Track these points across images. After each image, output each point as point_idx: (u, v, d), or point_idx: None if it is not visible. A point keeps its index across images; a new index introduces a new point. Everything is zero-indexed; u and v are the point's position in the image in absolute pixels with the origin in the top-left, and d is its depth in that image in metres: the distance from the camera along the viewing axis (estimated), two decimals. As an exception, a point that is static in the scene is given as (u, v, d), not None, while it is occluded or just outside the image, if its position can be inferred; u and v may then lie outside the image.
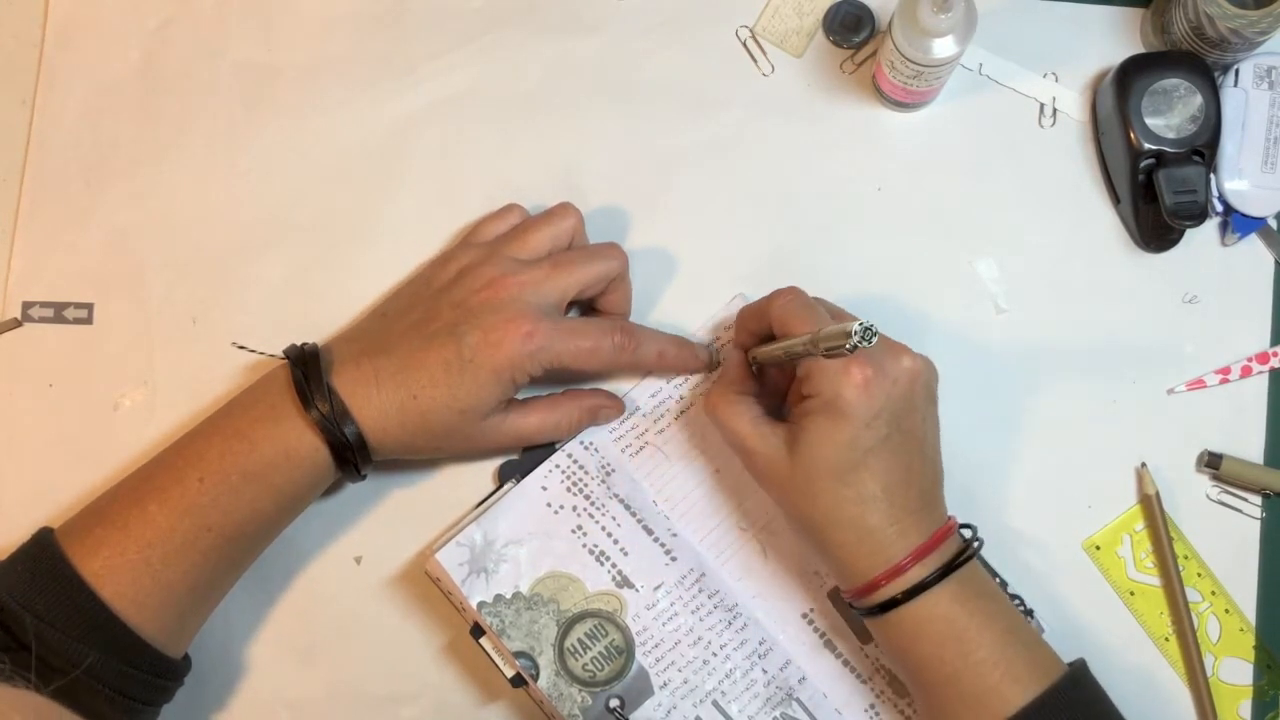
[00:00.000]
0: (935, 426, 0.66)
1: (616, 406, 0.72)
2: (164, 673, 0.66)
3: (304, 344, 0.68)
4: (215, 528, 0.65)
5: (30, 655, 0.60)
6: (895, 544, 0.63)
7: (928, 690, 0.64)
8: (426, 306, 0.68)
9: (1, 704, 0.53)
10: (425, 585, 0.73)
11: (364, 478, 0.69)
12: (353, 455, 0.66)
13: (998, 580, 0.72)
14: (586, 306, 0.74)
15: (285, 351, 0.68)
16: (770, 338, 0.67)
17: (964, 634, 0.62)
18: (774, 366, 0.69)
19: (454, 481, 0.74)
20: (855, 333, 0.55)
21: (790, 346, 0.63)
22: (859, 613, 0.65)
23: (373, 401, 0.65)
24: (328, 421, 0.64)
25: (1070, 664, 0.64)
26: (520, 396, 0.70)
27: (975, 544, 0.65)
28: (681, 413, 0.74)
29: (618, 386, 0.74)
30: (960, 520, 0.66)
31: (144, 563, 0.64)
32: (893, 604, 0.63)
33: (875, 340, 0.55)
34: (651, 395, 0.74)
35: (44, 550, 0.64)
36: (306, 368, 0.66)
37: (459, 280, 0.68)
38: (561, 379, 0.73)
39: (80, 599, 0.62)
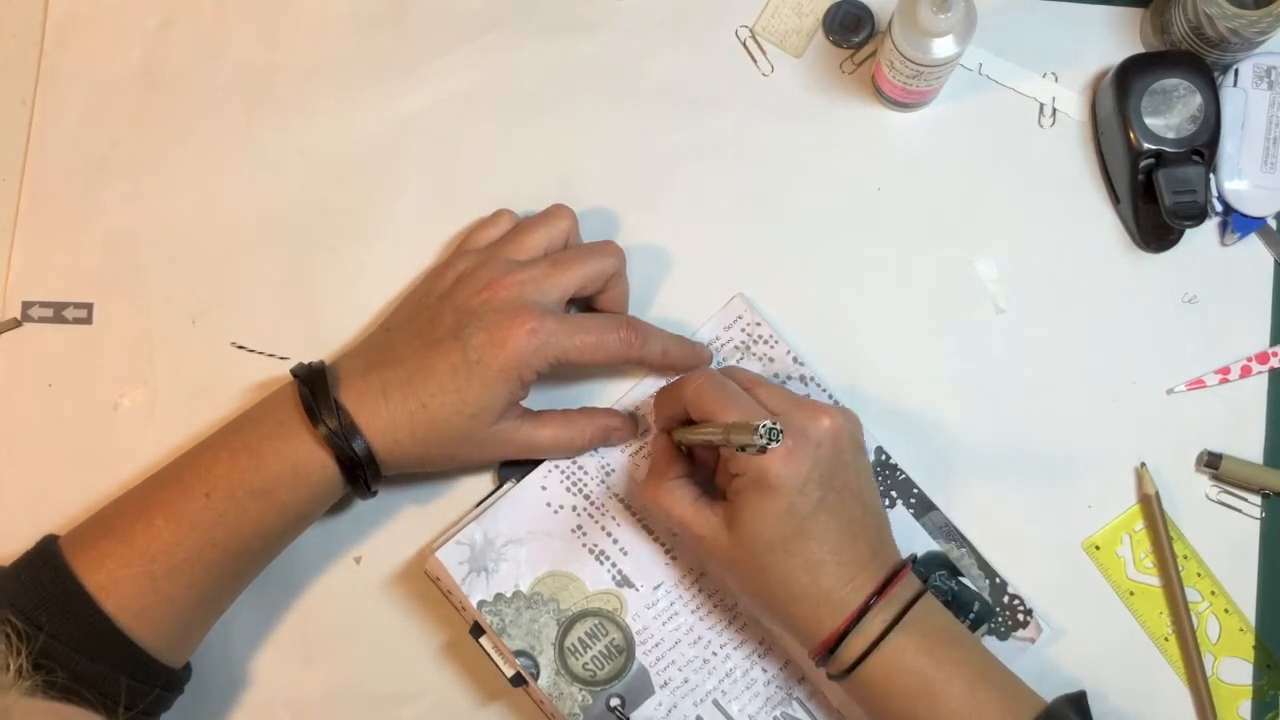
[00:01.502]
0: (869, 475, 0.66)
1: (630, 429, 0.72)
2: (166, 683, 0.66)
3: (310, 362, 0.68)
4: (221, 543, 0.65)
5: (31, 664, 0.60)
6: (851, 598, 0.62)
7: None
8: (429, 315, 0.68)
9: (43, 716, 0.52)
10: (425, 585, 0.73)
11: (374, 494, 0.68)
12: (362, 471, 0.66)
13: (997, 580, 0.72)
14: (584, 306, 0.74)
15: (292, 370, 0.67)
16: (689, 419, 0.67)
17: (932, 686, 0.62)
18: (701, 448, 0.68)
19: (454, 481, 0.74)
20: (760, 434, 0.56)
21: (708, 435, 0.64)
22: (830, 675, 0.64)
23: (381, 414, 0.65)
24: (336, 436, 0.64)
25: (1057, 699, 0.64)
26: (534, 408, 0.70)
27: (929, 581, 0.65)
28: (681, 412, 0.74)
29: (618, 386, 0.74)
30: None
31: (148, 576, 0.64)
32: (856, 661, 0.62)
33: (781, 439, 0.56)
34: (651, 396, 0.74)
35: (48, 560, 0.64)
36: (313, 384, 0.66)
37: (458, 286, 0.68)
38: (568, 377, 0.73)
39: (84, 611, 0.62)
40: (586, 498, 0.72)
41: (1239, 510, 0.74)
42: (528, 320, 0.65)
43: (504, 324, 0.65)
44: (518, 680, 0.69)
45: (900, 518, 0.72)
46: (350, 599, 0.74)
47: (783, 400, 0.65)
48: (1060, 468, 0.74)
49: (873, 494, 0.65)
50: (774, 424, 0.56)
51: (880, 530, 0.65)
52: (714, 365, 0.74)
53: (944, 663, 0.62)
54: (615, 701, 0.69)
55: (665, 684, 0.70)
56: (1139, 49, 0.77)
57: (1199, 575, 0.73)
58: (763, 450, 0.57)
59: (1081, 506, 0.74)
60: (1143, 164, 0.73)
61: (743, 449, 0.59)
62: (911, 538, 0.72)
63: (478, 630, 0.70)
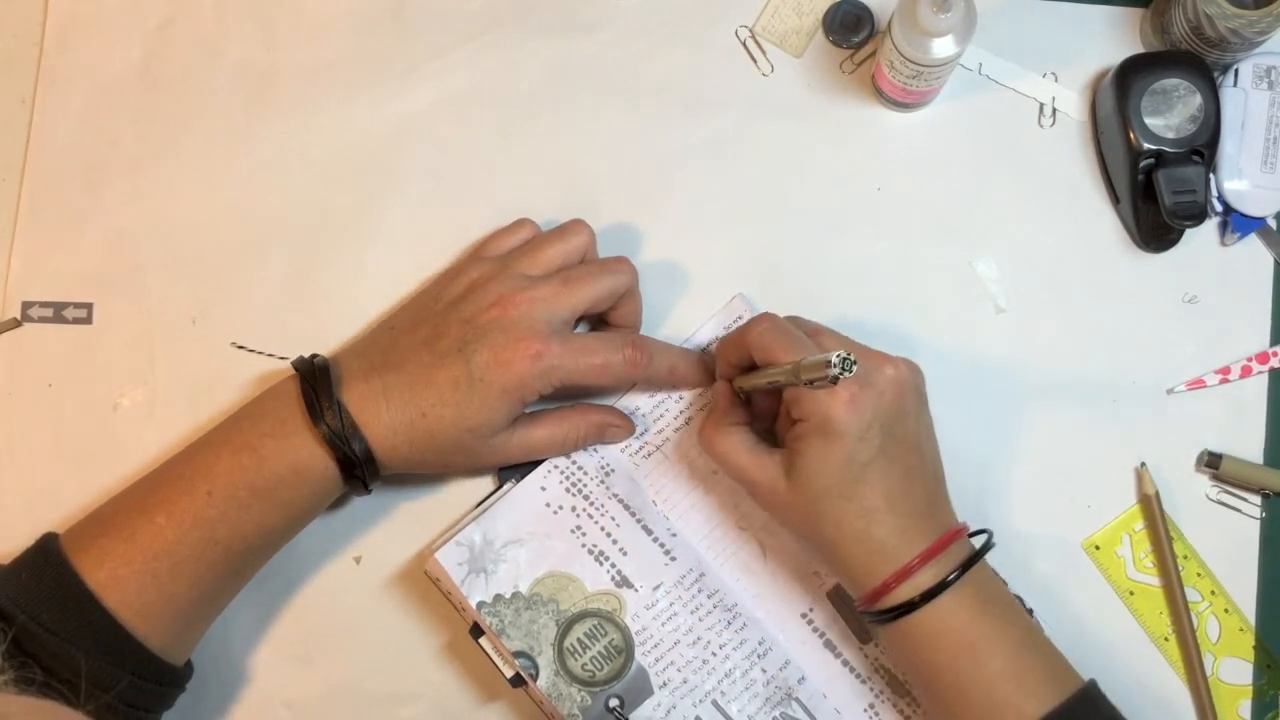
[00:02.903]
0: (929, 427, 0.66)
1: (626, 426, 0.72)
2: (167, 681, 0.66)
3: (313, 356, 0.68)
4: (222, 541, 0.65)
5: (34, 661, 0.60)
6: (904, 549, 0.63)
7: (940, 701, 0.64)
8: (436, 322, 0.68)
9: (35, 716, 0.52)
10: (425, 585, 0.73)
11: (370, 492, 0.69)
12: (361, 471, 0.66)
13: (997, 580, 0.72)
14: (597, 320, 0.74)
15: (294, 364, 0.67)
16: (752, 366, 0.67)
17: (978, 644, 0.62)
18: (760, 393, 0.69)
19: (453, 482, 0.74)
20: (834, 364, 0.56)
21: (773, 377, 0.64)
22: (872, 619, 0.64)
23: (381, 418, 0.65)
24: (337, 437, 0.64)
25: (1087, 680, 0.64)
26: (529, 409, 0.70)
27: (988, 545, 0.65)
28: (680, 414, 0.74)
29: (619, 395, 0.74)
30: (973, 526, 0.66)
31: (150, 574, 0.64)
32: (905, 610, 0.62)
33: (855, 369, 0.56)
34: (650, 396, 0.74)
35: (49, 558, 0.64)
36: (316, 382, 0.65)
37: (468, 296, 0.68)
38: (573, 395, 0.73)
39: (85, 609, 0.62)
40: (586, 498, 0.72)
41: (1239, 510, 0.74)
42: (533, 343, 0.65)
43: (509, 344, 0.65)
44: (517, 681, 0.69)
45: (900, 518, 0.72)
46: (350, 599, 0.74)
47: (847, 345, 0.66)
48: (1060, 467, 0.74)
49: (933, 446, 0.66)
50: (848, 354, 0.56)
51: (937, 485, 0.65)
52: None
53: (991, 623, 0.63)
54: (614, 702, 0.69)
55: (664, 684, 0.70)
56: (1139, 49, 0.77)
57: (1199, 575, 0.73)
58: (834, 381, 0.57)
59: (1081, 506, 0.74)
60: (1143, 164, 0.73)
61: (811, 383, 0.59)
62: (911, 538, 0.72)
63: (477, 631, 0.70)
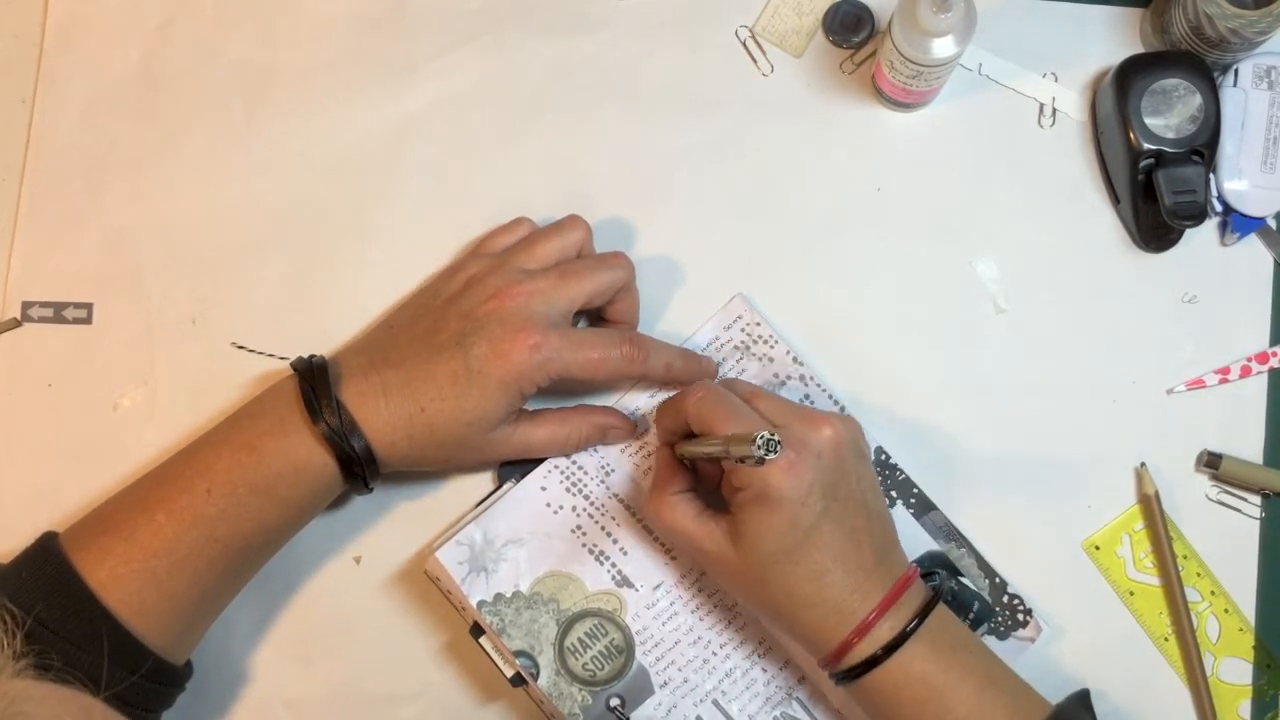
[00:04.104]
0: (872, 481, 0.65)
1: (627, 428, 0.72)
2: (168, 680, 0.66)
3: (312, 355, 0.68)
4: (222, 538, 0.65)
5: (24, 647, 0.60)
6: (859, 606, 0.62)
7: None
8: (434, 317, 0.68)
9: (57, 704, 0.53)
10: (425, 585, 0.73)
11: (371, 490, 0.69)
12: (361, 469, 0.66)
13: (997, 580, 0.72)
14: (595, 316, 0.74)
15: (293, 363, 0.67)
16: (692, 432, 0.67)
17: (941, 693, 0.62)
18: (703, 461, 0.68)
19: (453, 481, 0.74)
20: (759, 445, 0.56)
21: (709, 448, 0.64)
22: (836, 681, 0.64)
23: (380, 414, 0.65)
24: (335, 435, 0.64)
25: (1060, 702, 0.64)
26: (530, 407, 0.70)
27: (941, 589, 0.65)
28: (681, 412, 0.74)
29: (619, 394, 0.74)
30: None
31: (150, 572, 0.64)
32: (867, 667, 0.62)
33: (779, 449, 0.56)
34: (650, 397, 0.74)
35: (49, 557, 0.64)
36: (314, 380, 0.66)
37: (466, 290, 0.68)
38: (570, 390, 0.73)
39: (85, 607, 0.62)
40: (586, 498, 0.72)
41: (1239, 510, 0.74)
42: (531, 334, 0.65)
43: (507, 336, 0.65)
44: (517, 680, 0.69)
45: (900, 518, 0.72)
46: (350, 598, 0.74)
47: (783, 411, 0.65)
48: (1060, 467, 0.74)
49: (877, 500, 0.65)
50: (771, 435, 0.56)
51: (885, 536, 0.65)
52: (714, 365, 0.73)
53: (952, 668, 0.62)
54: (615, 701, 0.69)
55: (665, 684, 0.70)
56: (1139, 49, 0.77)
57: (1199, 575, 0.73)
58: (761, 462, 0.58)
59: (1081, 506, 0.74)
60: (1143, 164, 0.73)
61: (742, 460, 0.59)
62: (912, 538, 0.72)
63: (477, 630, 0.70)
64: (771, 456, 0.56)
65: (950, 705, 0.62)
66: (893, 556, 0.65)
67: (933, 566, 0.72)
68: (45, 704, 0.46)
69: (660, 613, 0.70)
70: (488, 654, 0.70)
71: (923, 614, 0.62)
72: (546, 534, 0.71)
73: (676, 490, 0.67)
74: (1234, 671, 0.73)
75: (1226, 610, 0.73)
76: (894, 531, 0.66)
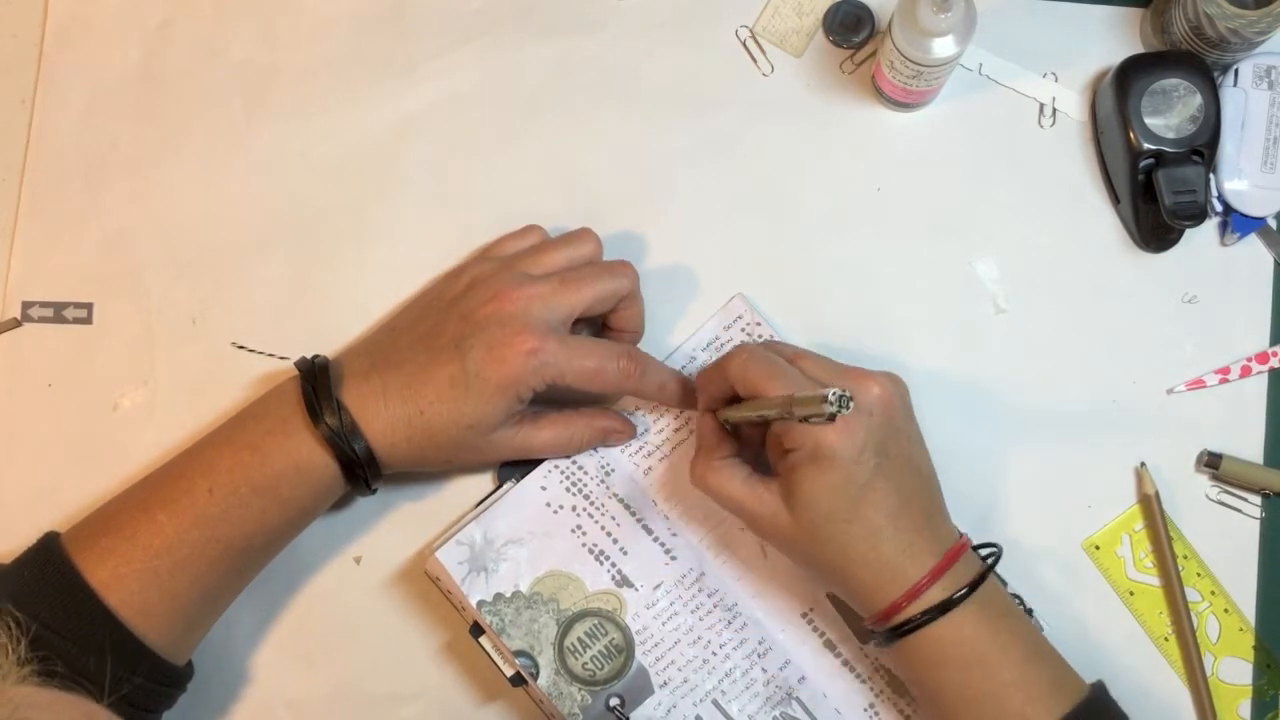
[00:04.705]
0: (920, 438, 0.66)
1: (628, 431, 0.72)
2: (169, 680, 0.66)
3: (314, 356, 0.68)
4: (224, 539, 0.65)
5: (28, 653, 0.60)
6: (911, 566, 0.63)
7: (947, 714, 0.64)
8: (435, 319, 0.68)
9: (61, 710, 0.53)
10: (425, 585, 0.73)
11: (374, 492, 0.69)
12: (362, 470, 0.66)
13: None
14: (599, 327, 0.73)
15: (295, 364, 0.68)
16: (736, 397, 0.66)
17: (987, 656, 0.62)
18: (748, 425, 0.68)
19: (454, 481, 0.74)
20: (831, 402, 0.56)
21: (762, 410, 0.63)
22: (880, 638, 0.64)
23: (381, 416, 0.65)
24: (336, 436, 0.64)
25: (1094, 683, 0.65)
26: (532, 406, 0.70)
27: (993, 559, 0.65)
28: (680, 414, 0.74)
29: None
30: (972, 526, 0.65)
31: (151, 572, 0.64)
32: (914, 626, 0.62)
33: (851, 406, 0.56)
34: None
35: (50, 557, 0.64)
36: (316, 381, 0.66)
37: (468, 292, 0.68)
38: (565, 397, 0.73)
39: (87, 607, 0.62)
40: (586, 498, 0.72)
41: (1239, 510, 0.74)
42: (529, 339, 0.65)
43: (505, 340, 0.65)
44: (517, 680, 0.69)
45: (900, 518, 0.72)
46: (350, 598, 0.74)
47: (829, 370, 0.65)
48: (1060, 468, 0.74)
49: (925, 458, 0.66)
50: (844, 391, 0.56)
51: (934, 495, 0.65)
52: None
53: (1000, 635, 0.63)
54: (615, 701, 0.69)
55: (665, 684, 0.70)
56: (1139, 49, 0.77)
57: (1199, 575, 0.73)
58: (832, 419, 0.57)
59: (1081, 506, 0.74)
60: (1143, 164, 0.73)
61: (806, 420, 0.59)
62: (911, 538, 0.72)
63: (477, 630, 0.70)
64: (845, 413, 0.56)
65: (996, 670, 0.62)
66: (942, 519, 0.65)
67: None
68: (49, 710, 0.46)
69: (660, 613, 0.70)
70: (488, 654, 0.70)
71: (975, 583, 0.63)
72: (546, 534, 0.71)
73: (723, 455, 0.67)
74: (1234, 671, 0.73)
75: (1226, 610, 0.73)
76: (941, 494, 0.66)
